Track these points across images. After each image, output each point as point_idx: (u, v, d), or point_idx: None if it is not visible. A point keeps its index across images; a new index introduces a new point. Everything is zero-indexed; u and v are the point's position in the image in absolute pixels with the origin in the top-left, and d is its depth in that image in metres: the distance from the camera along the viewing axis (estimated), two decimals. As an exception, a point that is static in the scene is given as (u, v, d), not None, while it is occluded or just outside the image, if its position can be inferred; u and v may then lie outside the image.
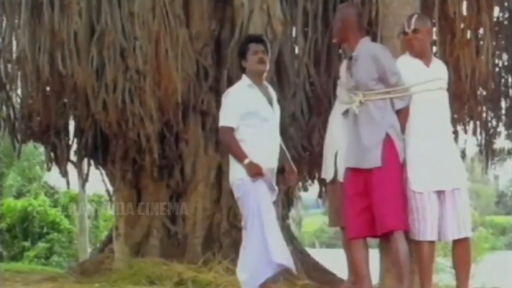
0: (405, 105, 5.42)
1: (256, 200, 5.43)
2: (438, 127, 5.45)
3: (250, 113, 5.51)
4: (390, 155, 5.29)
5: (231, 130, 5.54)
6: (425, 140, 5.39)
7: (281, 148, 5.74)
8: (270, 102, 5.62)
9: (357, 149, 5.40)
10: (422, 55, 5.51)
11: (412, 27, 5.47)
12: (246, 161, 5.45)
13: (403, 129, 5.42)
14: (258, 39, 5.80)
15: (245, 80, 5.66)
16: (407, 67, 5.47)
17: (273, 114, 5.62)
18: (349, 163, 5.50)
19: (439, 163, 5.35)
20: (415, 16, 5.56)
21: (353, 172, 5.44)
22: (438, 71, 5.58)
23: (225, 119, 5.59)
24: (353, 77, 5.45)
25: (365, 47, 5.44)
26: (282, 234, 9.52)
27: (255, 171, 5.42)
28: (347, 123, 5.67)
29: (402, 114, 5.42)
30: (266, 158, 5.51)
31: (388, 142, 5.30)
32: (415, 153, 5.37)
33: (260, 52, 5.60)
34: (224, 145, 5.86)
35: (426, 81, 5.44)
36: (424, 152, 5.36)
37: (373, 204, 5.29)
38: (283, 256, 5.40)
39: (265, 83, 5.73)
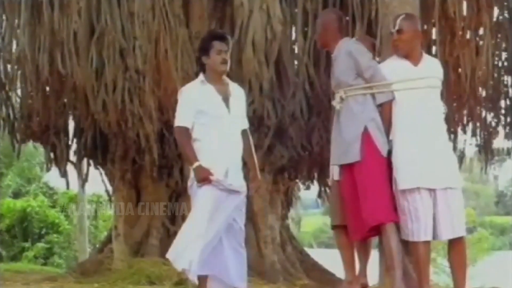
0: (387, 99, 5.42)
1: (201, 205, 5.31)
2: (426, 125, 5.43)
3: (201, 111, 5.36)
4: (369, 148, 5.31)
5: (184, 130, 5.39)
6: (411, 138, 5.36)
7: (249, 152, 5.57)
8: (226, 99, 5.43)
9: (339, 145, 5.45)
10: (409, 56, 5.49)
11: (397, 27, 5.45)
12: (195, 165, 5.29)
13: (387, 124, 5.43)
14: (222, 37, 5.58)
15: (199, 77, 5.52)
16: (391, 68, 5.47)
17: (228, 112, 5.41)
18: (333, 160, 5.54)
19: (428, 161, 5.33)
20: (401, 16, 5.52)
21: (345, 169, 5.47)
22: (427, 69, 5.55)
23: (177, 119, 5.46)
24: (333, 75, 5.54)
25: (342, 46, 5.54)
26: (282, 234, 9.70)
27: (201, 177, 5.27)
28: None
29: (385, 109, 5.43)
30: (219, 158, 5.33)
31: (366, 135, 5.33)
32: (401, 152, 5.36)
33: (223, 52, 5.43)
34: (178, 146, 5.76)
35: (411, 79, 5.44)
36: (409, 150, 5.34)
37: (359, 199, 5.32)
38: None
39: (226, 80, 5.55)
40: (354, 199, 5.39)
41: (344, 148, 5.40)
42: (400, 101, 5.42)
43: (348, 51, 5.46)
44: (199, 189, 5.33)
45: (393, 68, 5.46)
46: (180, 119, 5.43)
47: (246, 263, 5.50)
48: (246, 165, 5.57)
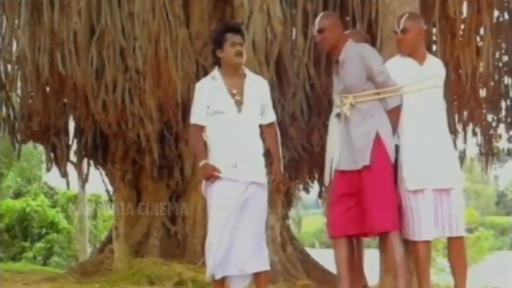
0: (398, 104, 5.41)
1: (213, 202, 5.31)
2: (432, 125, 5.44)
3: (209, 108, 5.31)
4: (380, 154, 5.29)
5: (196, 128, 5.36)
6: (420, 139, 5.38)
7: (272, 146, 5.58)
8: (239, 95, 5.31)
9: (349, 151, 5.39)
10: (414, 55, 5.49)
11: (401, 27, 5.44)
12: (201, 163, 5.29)
13: (395, 128, 5.42)
14: (236, 29, 5.48)
15: (212, 72, 5.45)
16: (399, 67, 5.45)
17: (237, 109, 5.30)
18: (341, 166, 5.48)
19: (434, 161, 5.34)
20: (406, 15, 5.51)
21: (342, 174, 5.44)
22: (433, 69, 5.55)
23: (191, 117, 5.43)
24: (342, 80, 5.45)
25: (351, 49, 5.44)
26: (282, 234, 9.70)
27: (206, 174, 5.26)
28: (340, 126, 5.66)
29: (394, 114, 5.41)
30: (226, 154, 5.28)
31: (378, 141, 5.30)
32: (410, 152, 5.36)
33: (238, 45, 5.32)
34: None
35: (420, 80, 5.43)
36: (418, 151, 5.35)
37: (365, 204, 5.28)
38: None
39: (244, 72, 5.44)
40: (353, 200, 5.37)
41: (354, 154, 5.35)
42: (407, 102, 5.42)
43: (361, 55, 5.36)
44: (210, 187, 5.32)
45: (400, 68, 5.43)
46: (192, 117, 5.41)
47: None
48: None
